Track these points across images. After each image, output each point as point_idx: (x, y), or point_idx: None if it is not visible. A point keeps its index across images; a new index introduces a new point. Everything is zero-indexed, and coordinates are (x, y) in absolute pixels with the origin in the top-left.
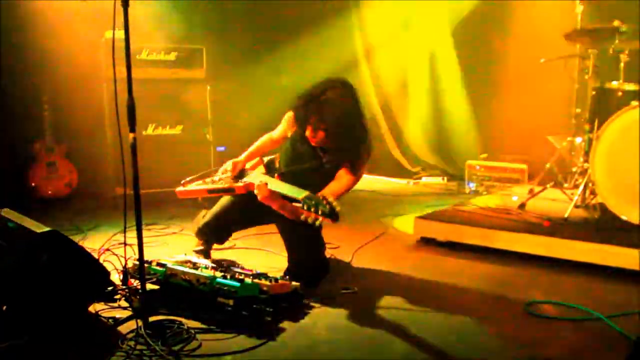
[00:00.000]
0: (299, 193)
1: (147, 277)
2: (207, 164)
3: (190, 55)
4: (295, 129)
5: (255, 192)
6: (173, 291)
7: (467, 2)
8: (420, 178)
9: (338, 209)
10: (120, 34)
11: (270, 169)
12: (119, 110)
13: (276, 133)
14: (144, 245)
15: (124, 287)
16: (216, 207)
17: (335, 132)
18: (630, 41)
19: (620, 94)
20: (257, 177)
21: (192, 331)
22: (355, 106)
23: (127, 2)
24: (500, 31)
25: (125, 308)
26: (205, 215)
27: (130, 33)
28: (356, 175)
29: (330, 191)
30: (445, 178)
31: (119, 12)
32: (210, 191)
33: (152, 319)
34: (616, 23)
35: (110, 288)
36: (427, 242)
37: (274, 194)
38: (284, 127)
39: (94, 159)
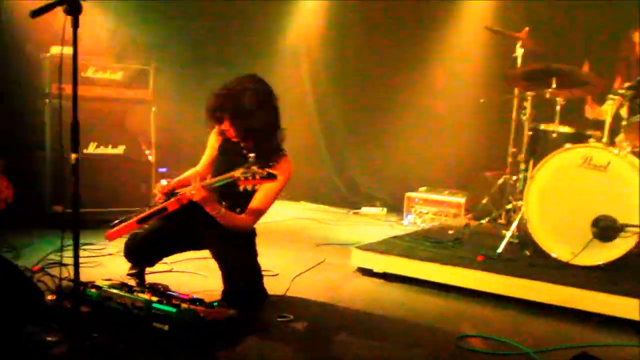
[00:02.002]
0: (232, 175)
1: (82, 299)
2: (148, 184)
3: (137, 75)
4: (222, 138)
5: (192, 192)
6: (108, 315)
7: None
8: (360, 208)
9: (274, 171)
10: (67, 50)
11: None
12: (62, 129)
13: (201, 165)
14: (80, 266)
15: (58, 308)
16: (146, 230)
17: (247, 121)
18: (564, 87)
19: (555, 135)
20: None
21: (124, 356)
22: (265, 99)
23: (77, 19)
24: (443, 69)
25: (58, 330)
26: (135, 238)
27: (77, 50)
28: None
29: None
30: (385, 209)
31: (68, 28)
32: (140, 220)
33: (85, 342)
34: (553, 67)
35: (42, 309)
36: (364, 273)
37: (210, 192)
38: (212, 143)
39: (33, 176)
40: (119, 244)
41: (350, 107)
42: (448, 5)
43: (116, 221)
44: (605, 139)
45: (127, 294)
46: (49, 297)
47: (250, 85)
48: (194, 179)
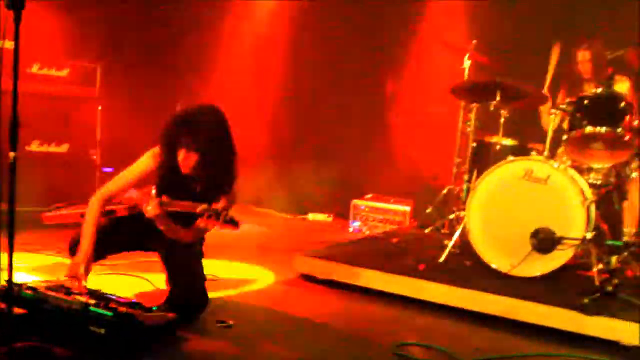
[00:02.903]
0: (194, 207)
1: (16, 300)
2: (91, 184)
3: (84, 73)
4: (161, 160)
5: (148, 207)
6: (43, 317)
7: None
8: (306, 214)
9: (237, 218)
10: (9, 44)
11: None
12: (0, 125)
13: (128, 183)
14: (15, 267)
15: None
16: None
17: (210, 152)
18: (510, 99)
19: (498, 147)
20: (146, 196)
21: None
22: (227, 130)
23: (20, 14)
24: (392, 80)
25: None
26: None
27: (21, 45)
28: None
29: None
30: (331, 216)
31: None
32: (83, 215)
33: (18, 345)
34: (497, 79)
35: None
36: (307, 279)
37: (165, 214)
38: (146, 165)
39: None
40: (60, 244)
41: (300, 116)
42: (404, 17)
43: (58, 205)
44: (546, 153)
45: (63, 296)
46: None
47: (216, 117)
48: (148, 193)
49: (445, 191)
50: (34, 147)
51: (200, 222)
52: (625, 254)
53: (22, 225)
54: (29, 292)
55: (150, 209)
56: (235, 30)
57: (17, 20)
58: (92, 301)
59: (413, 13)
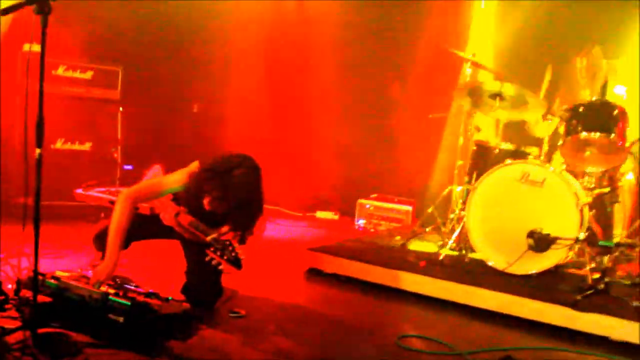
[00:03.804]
0: (206, 233)
1: (40, 289)
2: (112, 181)
3: (106, 76)
4: (193, 184)
5: (165, 216)
6: (65, 305)
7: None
8: (315, 212)
9: (242, 257)
10: (37, 47)
11: (176, 199)
12: (27, 124)
13: (169, 181)
14: (40, 257)
15: (16, 297)
16: None
17: (234, 212)
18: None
19: (497, 151)
20: (165, 204)
21: (79, 345)
22: (258, 188)
23: (47, 17)
24: (398, 85)
25: (15, 318)
26: (104, 225)
27: (47, 48)
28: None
29: None
30: (338, 214)
31: (38, 25)
32: (112, 202)
33: (41, 331)
34: (497, 87)
35: (1, 297)
36: (315, 273)
37: (182, 225)
38: (181, 179)
39: (3, 169)
40: (80, 237)
41: (309, 119)
42: (410, 24)
43: (90, 183)
44: (542, 157)
45: (84, 286)
46: (9, 286)
47: (248, 177)
48: (167, 201)
49: (446, 192)
50: (59, 145)
51: (208, 252)
52: (616, 254)
53: (48, 218)
54: (53, 281)
55: (166, 218)
56: (244, 34)
57: (44, 24)
58: (112, 291)
59: (419, 20)
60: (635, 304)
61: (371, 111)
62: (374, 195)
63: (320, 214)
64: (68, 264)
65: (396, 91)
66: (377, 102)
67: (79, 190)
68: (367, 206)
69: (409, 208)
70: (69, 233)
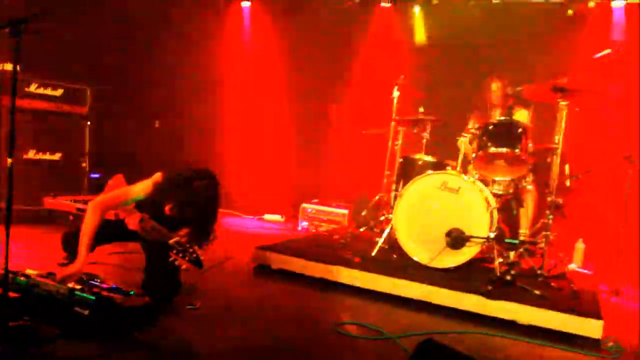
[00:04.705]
0: (168, 236)
1: (11, 286)
2: (81, 187)
3: (75, 93)
4: (157, 193)
5: (130, 221)
6: (34, 300)
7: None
8: (263, 215)
9: (202, 257)
10: (8, 66)
11: (138, 206)
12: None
13: (133, 190)
14: (11, 256)
15: None
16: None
17: (193, 218)
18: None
19: (420, 162)
20: (129, 211)
21: (48, 336)
22: (215, 198)
23: (19, 42)
24: (336, 105)
25: None
26: (72, 231)
27: (21, 66)
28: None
29: None
30: (284, 216)
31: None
32: (79, 209)
33: (12, 324)
34: (421, 110)
35: None
36: (263, 269)
37: (146, 230)
38: (146, 188)
39: None
40: (50, 239)
41: (263, 135)
42: (343, 56)
43: (54, 193)
44: (459, 168)
45: (51, 282)
46: None
47: (207, 192)
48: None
49: (377, 198)
50: (31, 154)
51: (171, 254)
52: (521, 250)
53: (20, 220)
54: (22, 278)
55: (131, 223)
56: (202, 48)
57: (17, 46)
58: (78, 286)
59: (353, 53)
60: (536, 292)
61: (314, 130)
62: (315, 200)
63: (268, 217)
64: (38, 263)
65: (334, 113)
66: (320, 123)
67: (49, 199)
68: (309, 210)
69: (346, 212)
70: (39, 235)
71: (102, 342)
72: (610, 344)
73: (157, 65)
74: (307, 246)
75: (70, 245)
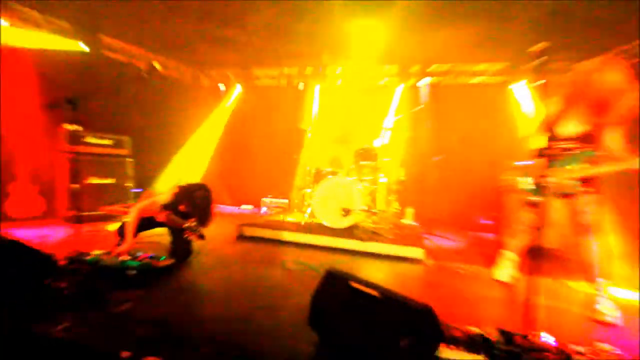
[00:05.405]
0: (183, 223)
1: (82, 263)
2: (128, 198)
3: (120, 141)
4: (175, 198)
5: (159, 216)
6: (100, 270)
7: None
8: (240, 205)
9: (204, 234)
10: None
11: (167, 206)
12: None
13: (159, 198)
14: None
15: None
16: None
17: (197, 213)
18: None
19: (323, 171)
20: (157, 210)
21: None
22: (209, 200)
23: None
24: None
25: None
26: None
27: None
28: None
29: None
30: (252, 205)
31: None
32: (127, 213)
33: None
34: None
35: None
36: (241, 238)
37: (169, 220)
38: (168, 196)
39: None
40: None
41: (237, 150)
42: (270, 107)
43: (109, 204)
44: (345, 173)
45: (109, 257)
46: (62, 262)
47: (204, 193)
48: (159, 209)
49: (303, 192)
50: (93, 180)
51: (185, 232)
52: (378, 215)
53: (89, 220)
54: (90, 256)
55: (161, 217)
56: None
57: (73, 114)
58: (127, 258)
59: (278, 104)
60: (389, 236)
61: (272, 156)
62: (270, 195)
63: (244, 207)
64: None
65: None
66: (275, 152)
67: (105, 207)
68: (267, 201)
69: (287, 200)
70: (101, 228)
71: (144, 290)
72: (428, 261)
73: (165, 123)
74: (267, 222)
75: (121, 233)
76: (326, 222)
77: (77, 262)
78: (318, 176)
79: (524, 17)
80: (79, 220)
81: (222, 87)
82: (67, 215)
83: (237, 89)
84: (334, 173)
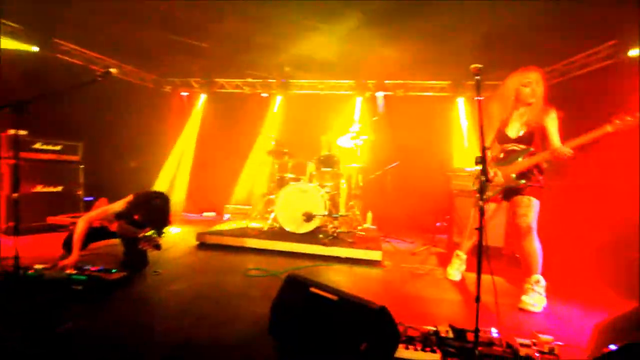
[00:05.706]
0: (138, 232)
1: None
2: (79, 207)
3: (71, 147)
4: (130, 207)
5: (113, 226)
6: (43, 285)
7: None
8: (203, 213)
9: (160, 244)
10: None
11: (120, 215)
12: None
13: (112, 207)
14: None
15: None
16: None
17: (153, 222)
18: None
19: (287, 177)
20: (111, 220)
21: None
22: (166, 208)
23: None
24: (218, 128)
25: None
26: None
27: (29, 130)
28: None
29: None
30: (215, 212)
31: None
32: (75, 223)
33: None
34: (285, 150)
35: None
36: (202, 246)
37: (123, 230)
38: (121, 205)
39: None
40: (54, 243)
41: (199, 159)
42: (242, 117)
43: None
44: (307, 179)
45: (53, 271)
46: None
47: (162, 201)
48: (113, 217)
49: (266, 199)
50: (39, 189)
51: (139, 242)
52: (339, 219)
53: (31, 232)
54: (31, 271)
55: (113, 227)
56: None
57: (17, 120)
58: (74, 271)
59: (247, 113)
60: (350, 240)
61: (231, 166)
62: (234, 202)
63: (207, 214)
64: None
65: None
66: (235, 162)
67: (52, 218)
68: (230, 207)
69: (250, 207)
70: (46, 240)
71: (90, 305)
72: (386, 263)
73: (121, 129)
74: (229, 229)
75: (68, 244)
76: (289, 228)
77: (14, 276)
78: (281, 182)
79: (461, 39)
80: (18, 231)
81: (184, 94)
82: (4, 227)
83: (201, 97)
84: (296, 179)
